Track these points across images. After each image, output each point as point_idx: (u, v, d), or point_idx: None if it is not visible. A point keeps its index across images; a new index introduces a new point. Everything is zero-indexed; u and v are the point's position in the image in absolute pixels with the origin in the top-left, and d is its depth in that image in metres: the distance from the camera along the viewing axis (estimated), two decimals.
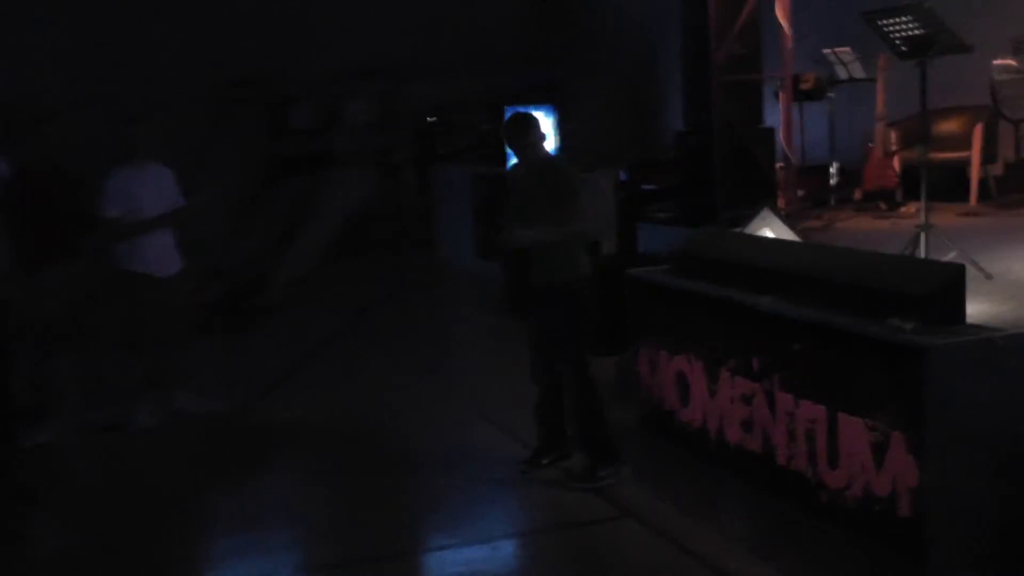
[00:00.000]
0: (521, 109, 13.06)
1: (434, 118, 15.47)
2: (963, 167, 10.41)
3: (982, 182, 10.25)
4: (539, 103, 12.87)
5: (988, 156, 10.37)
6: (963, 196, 10.15)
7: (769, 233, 7.48)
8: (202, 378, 8.60)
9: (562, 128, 12.67)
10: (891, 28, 7.15)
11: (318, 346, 9.37)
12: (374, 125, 15.57)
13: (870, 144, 10.57)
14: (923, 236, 7.00)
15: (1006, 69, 10.00)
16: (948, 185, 10.23)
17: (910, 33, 7.06)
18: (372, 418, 8.06)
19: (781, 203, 9.66)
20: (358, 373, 9.21)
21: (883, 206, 10.31)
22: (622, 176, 11.88)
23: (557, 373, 6.57)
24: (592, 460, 6.51)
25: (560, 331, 6.47)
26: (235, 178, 14.92)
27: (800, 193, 10.22)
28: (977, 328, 5.16)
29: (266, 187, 14.52)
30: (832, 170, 10.45)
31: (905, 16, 7.03)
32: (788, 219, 7.83)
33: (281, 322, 10.56)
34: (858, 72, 10.66)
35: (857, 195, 10.70)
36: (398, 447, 7.47)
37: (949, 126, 10.66)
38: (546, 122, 12.43)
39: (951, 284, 5.25)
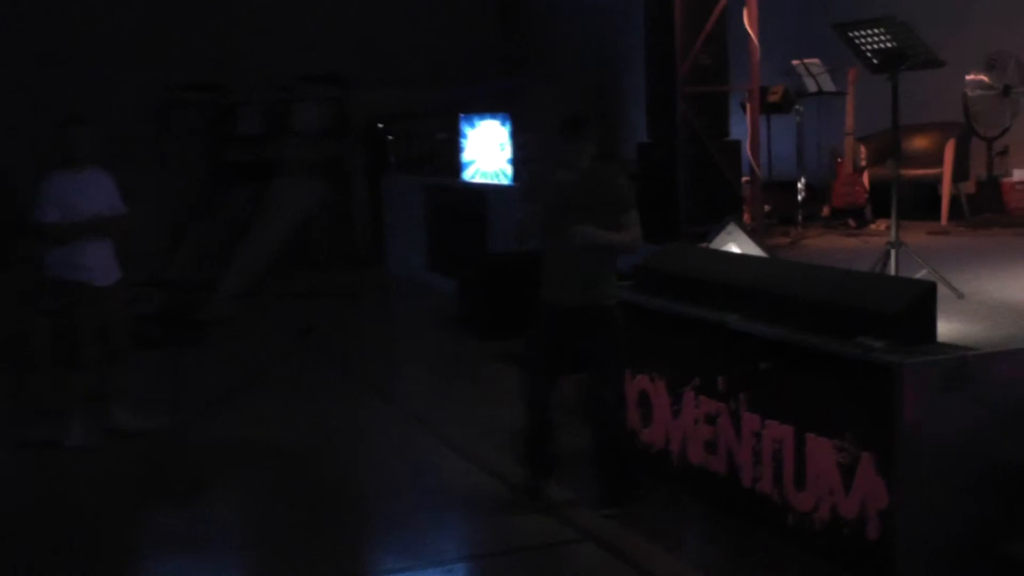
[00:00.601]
0: (476, 118, 13.25)
1: (386, 126, 15.49)
2: (934, 185, 10.57)
3: (953, 200, 10.41)
4: (495, 112, 12.96)
5: (960, 174, 10.54)
6: (934, 214, 10.30)
7: (735, 249, 7.56)
8: (141, 394, 8.56)
9: (517, 138, 12.73)
10: (862, 40, 7.24)
11: (262, 362, 9.35)
12: (324, 132, 15.58)
13: (839, 159, 10.70)
14: (893, 254, 7.10)
15: (979, 85, 10.17)
16: (919, 203, 10.39)
17: (882, 46, 7.16)
18: (319, 438, 8.03)
19: (747, 219, 9.76)
20: (305, 391, 9.20)
21: (852, 223, 10.45)
22: None
23: (551, 398, 6.38)
24: (615, 489, 6.31)
25: (609, 353, 6.19)
26: (179, 185, 14.90)
27: (767, 209, 10.34)
28: (948, 347, 5.25)
29: (211, 194, 14.49)
30: (800, 185, 10.56)
31: (877, 28, 7.12)
32: (754, 235, 7.91)
33: (224, 337, 10.52)
34: (827, 85, 10.80)
35: (825, 212, 10.83)
36: (347, 468, 7.46)
37: (920, 142, 10.82)
38: (501, 132, 12.52)
39: (922, 302, 5.33)
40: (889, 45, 7.11)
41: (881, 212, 10.55)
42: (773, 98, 10.79)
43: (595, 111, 14.40)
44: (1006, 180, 10.64)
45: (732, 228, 7.69)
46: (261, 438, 8.08)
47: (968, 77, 10.16)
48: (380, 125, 15.35)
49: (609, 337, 6.15)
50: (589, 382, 6.27)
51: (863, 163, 10.69)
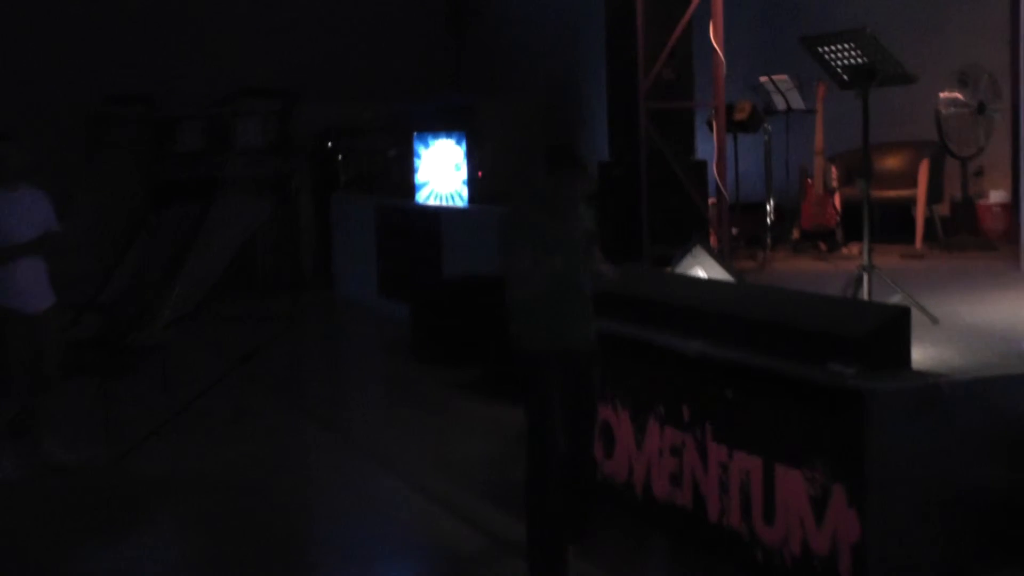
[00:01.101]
0: (430, 137, 13.29)
1: (334, 143, 15.51)
2: (907, 206, 10.67)
3: (928, 222, 10.51)
4: (449, 129, 13.02)
5: (934, 195, 10.64)
6: (907, 237, 10.40)
7: (702, 273, 7.62)
8: (73, 425, 8.52)
9: (472, 157, 12.79)
10: (832, 55, 7.32)
11: (203, 391, 9.31)
12: (269, 149, 15.56)
13: (808, 179, 10.79)
14: (866, 278, 7.17)
15: (953, 102, 10.28)
16: (892, 225, 10.50)
17: (852, 61, 7.24)
18: (262, 471, 8.03)
19: (713, 241, 9.82)
20: (247, 422, 9.19)
21: (823, 246, 10.53)
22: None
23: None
24: (582, 530, 6.04)
25: (595, 401, 5.96)
26: (114, 203, 14.82)
27: (734, 231, 10.39)
28: (922, 374, 5.32)
29: (148, 214, 14.43)
30: (768, 207, 10.64)
31: (846, 43, 7.20)
32: (721, 258, 7.97)
33: (162, 364, 10.47)
34: (796, 102, 10.88)
35: (795, 234, 10.91)
36: (290, 502, 7.46)
37: (893, 162, 10.94)
38: (456, 151, 12.57)
39: (895, 327, 5.41)
40: (859, 60, 7.19)
41: (853, 235, 10.62)
42: (740, 116, 10.85)
43: (571, 135, 14.45)
44: (981, 202, 10.76)
45: (698, 251, 7.75)
46: (198, 471, 8.08)
47: (942, 95, 10.28)
48: (329, 143, 15.37)
49: (597, 377, 5.93)
50: (571, 431, 5.77)
51: (834, 183, 10.79)
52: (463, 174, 12.76)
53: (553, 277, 5.60)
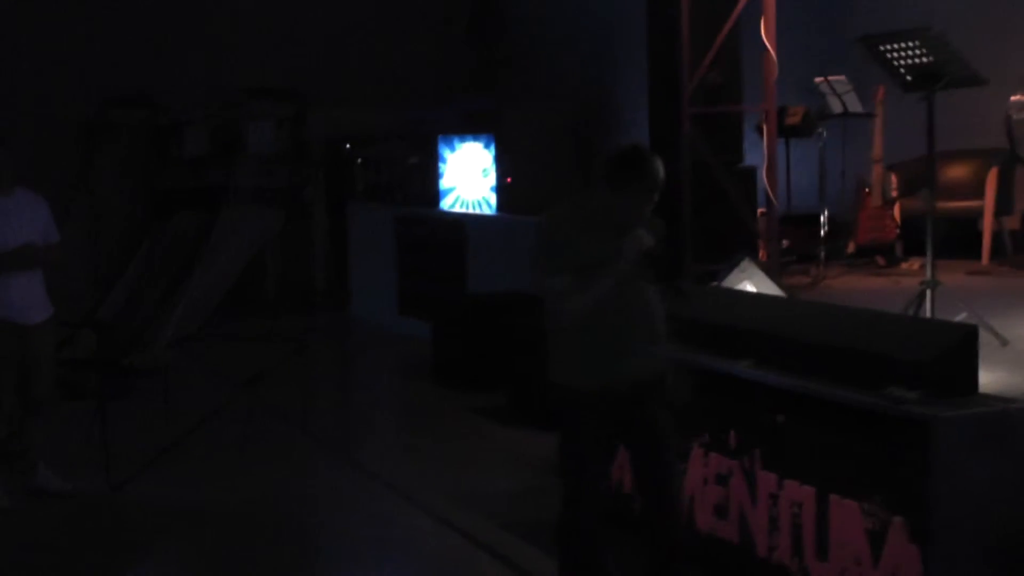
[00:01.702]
0: (456, 140, 13.34)
1: (351, 150, 15.55)
2: (974, 219, 10.67)
3: (995, 236, 10.50)
4: (475, 133, 13.06)
5: (1003, 207, 10.63)
6: (973, 252, 10.39)
7: (751, 288, 7.64)
8: (69, 451, 8.57)
9: (500, 162, 12.83)
10: (895, 55, 7.34)
11: (206, 417, 9.35)
12: (280, 155, 15.60)
13: (866, 190, 10.79)
14: (929, 295, 7.18)
15: None
16: (956, 239, 10.49)
17: (916, 61, 7.25)
18: (269, 504, 8.03)
19: (762, 255, 9.83)
20: (254, 451, 9.20)
21: (881, 261, 10.53)
22: None
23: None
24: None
25: (668, 443, 5.53)
26: (112, 213, 14.89)
27: (784, 244, 10.40)
28: (990, 399, 5.32)
29: (150, 225, 14.50)
30: (822, 219, 10.65)
31: (911, 41, 7.20)
32: (771, 274, 7.99)
33: (164, 387, 10.52)
34: (854, 105, 10.88)
35: (850, 248, 10.92)
36: (302, 540, 7.46)
37: (958, 171, 10.94)
38: (484, 155, 12.61)
39: (961, 349, 5.38)
40: (924, 60, 7.20)
41: (913, 249, 10.64)
42: (792, 120, 10.88)
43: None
44: None
45: (746, 265, 7.77)
46: (201, 503, 8.09)
47: (1013, 98, 10.27)
48: (348, 146, 15.40)
49: (666, 424, 5.50)
50: (644, 481, 5.57)
51: (893, 194, 10.80)
52: (491, 180, 12.80)
53: (598, 305, 5.24)
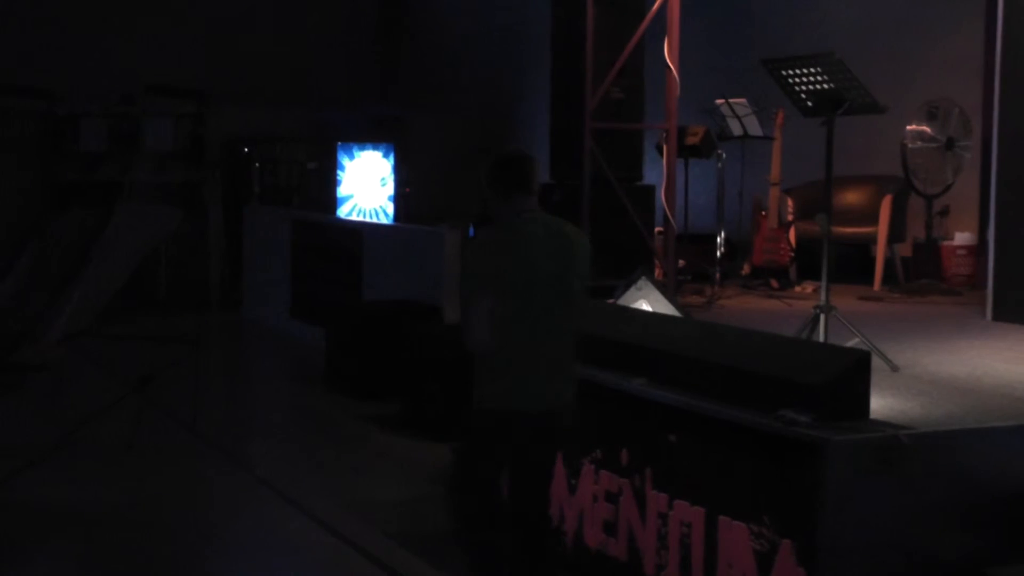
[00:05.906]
0: (356, 148, 13.29)
1: (250, 151, 15.41)
2: (867, 245, 10.81)
3: (888, 263, 10.63)
4: (376, 141, 13.03)
5: (896, 234, 10.78)
6: (865, 278, 10.52)
7: (646, 307, 7.65)
8: None
9: (399, 171, 12.80)
10: (796, 79, 7.39)
11: (94, 416, 9.20)
12: (178, 153, 15.44)
13: (763, 212, 10.88)
14: (822, 319, 7.23)
15: (920, 136, 10.42)
16: (849, 264, 10.63)
17: (817, 87, 7.31)
18: (156, 506, 7.93)
19: (658, 274, 9.87)
20: (142, 452, 9.08)
21: (774, 284, 10.62)
22: (470, 233, 12.04)
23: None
24: None
25: (554, 458, 5.81)
26: (3, 204, 14.63)
27: (680, 263, 10.45)
28: (881, 424, 5.36)
29: (43, 217, 14.27)
30: (719, 239, 10.72)
31: (813, 67, 7.27)
32: (667, 292, 8.01)
33: (51, 385, 10.35)
34: (753, 128, 10.97)
35: (745, 270, 11.00)
36: (187, 540, 7.37)
37: (853, 197, 11.07)
38: (383, 164, 12.56)
39: (854, 373, 5.43)
40: (826, 86, 7.26)
41: (807, 273, 10.75)
42: (692, 140, 10.93)
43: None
44: (946, 243, 10.91)
45: (643, 283, 7.78)
46: (84, 504, 7.96)
47: (909, 128, 10.41)
48: (246, 149, 15.27)
49: (558, 444, 5.75)
50: (519, 486, 5.58)
51: (789, 217, 10.90)
52: (389, 189, 12.76)
53: (520, 326, 5.26)
